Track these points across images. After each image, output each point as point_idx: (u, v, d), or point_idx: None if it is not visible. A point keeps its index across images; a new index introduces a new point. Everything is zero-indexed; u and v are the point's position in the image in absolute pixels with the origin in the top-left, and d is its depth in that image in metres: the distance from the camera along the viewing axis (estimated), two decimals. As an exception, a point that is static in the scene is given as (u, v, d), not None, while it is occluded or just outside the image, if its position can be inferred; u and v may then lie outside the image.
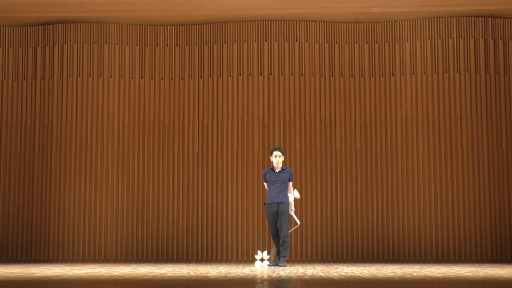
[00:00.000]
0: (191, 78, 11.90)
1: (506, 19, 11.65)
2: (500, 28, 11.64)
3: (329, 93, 11.75)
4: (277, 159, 9.21)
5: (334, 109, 11.71)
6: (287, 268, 8.65)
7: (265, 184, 9.30)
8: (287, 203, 9.14)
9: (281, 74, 11.78)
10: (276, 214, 9.12)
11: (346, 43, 11.82)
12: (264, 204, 9.26)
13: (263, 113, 11.73)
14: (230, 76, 11.83)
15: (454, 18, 11.63)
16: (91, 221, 11.53)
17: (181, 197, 11.63)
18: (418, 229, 11.32)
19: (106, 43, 11.87)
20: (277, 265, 9.07)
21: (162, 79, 11.91)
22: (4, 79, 11.93)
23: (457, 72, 11.58)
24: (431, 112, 11.53)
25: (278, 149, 9.24)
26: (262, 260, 9.78)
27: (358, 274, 7.07)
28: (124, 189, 11.63)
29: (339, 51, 11.82)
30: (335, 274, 7.06)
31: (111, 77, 11.85)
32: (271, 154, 9.26)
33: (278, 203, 9.10)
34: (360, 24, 11.83)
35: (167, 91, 11.89)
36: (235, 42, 11.85)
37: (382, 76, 11.73)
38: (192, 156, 11.72)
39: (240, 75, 11.82)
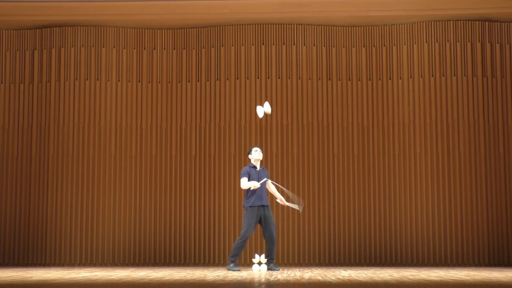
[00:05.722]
0: (189, 82, 11.90)
1: (503, 23, 11.67)
2: (497, 32, 11.67)
3: (327, 96, 11.76)
4: (259, 153, 9.25)
5: (332, 112, 11.72)
6: (285, 271, 8.64)
7: (245, 182, 9.11)
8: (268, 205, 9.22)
9: (279, 78, 11.79)
10: (262, 219, 9.10)
11: (344, 47, 11.84)
12: (245, 206, 9.13)
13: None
14: (227, 79, 11.83)
15: (451, 22, 11.66)
16: (88, 224, 11.51)
17: (178, 201, 11.63)
18: (416, 232, 11.33)
19: (103, 47, 11.87)
20: (273, 268, 9.06)
21: (159, 82, 11.91)
22: (1, 82, 11.92)
23: (454, 76, 11.59)
24: (428, 116, 11.54)
25: (257, 145, 9.43)
26: (259, 263, 9.77)
27: (356, 278, 7.08)
28: (121, 192, 11.62)
29: (337, 55, 11.83)
30: (333, 278, 7.06)
31: (109, 80, 11.85)
32: (249, 152, 9.31)
33: (264, 206, 9.10)
34: (357, 27, 11.85)
35: (165, 94, 11.88)
36: (232, 45, 11.86)
37: (380, 79, 11.75)
38: (190, 160, 11.71)
39: (237, 78, 11.83)
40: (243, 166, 11.58)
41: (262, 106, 9.41)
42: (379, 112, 11.67)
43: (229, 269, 9.01)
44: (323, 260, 11.35)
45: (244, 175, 9.17)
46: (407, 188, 11.44)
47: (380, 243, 11.35)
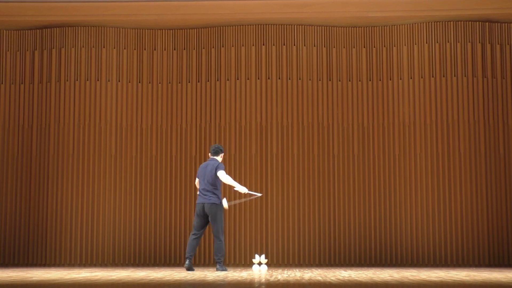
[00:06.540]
0: (189, 82, 11.90)
1: (503, 24, 11.67)
2: (497, 32, 11.67)
3: (327, 97, 11.76)
4: None
5: (332, 113, 11.72)
6: (285, 271, 8.63)
7: (230, 178, 9.22)
8: None
9: (279, 78, 11.79)
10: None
11: (344, 47, 11.84)
12: (220, 203, 9.19)
13: (260, 117, 11.73)
14: (227, 80, 11.83)
15: (452, 22, 11.66)
16: (88, 225, 11.51)
17: (178, 201, 11.62)
18: (416, 233, 11.32)
19: (103, 47, 11.87)
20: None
21: (159, 83, 11.91)
22: (2, 83, 11.92)
23: (454, 76, 11.59)
24: (428, 116, 11.54)
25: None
26: (260, 264, 9.77)
27: (356, 278, 7.08)
28: (121, 192, 11.61)
29: (337, 55, 11.83)
30: (333, 278, 7.06)
31: (109, 81, 11.85)
32: (223, 152, 9.47)
33: None
34: (357, 28, 11.85)
35: (165, 95, 11.88)
36: (233, 46, 11.86)
37: (380, 80, 11.75)
38: (190, 160, 11.71)
39: (237, 79, 11.83)
40: (243, 166, 11.60)
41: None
42: (380, 113, 11.67)
43: (223, 270, 8.94)
44: (323, 260, 11.35)
45: (223, 169, 9.20)
46: (407, 189, 11.43)
47: (380, 244, 11.35)
